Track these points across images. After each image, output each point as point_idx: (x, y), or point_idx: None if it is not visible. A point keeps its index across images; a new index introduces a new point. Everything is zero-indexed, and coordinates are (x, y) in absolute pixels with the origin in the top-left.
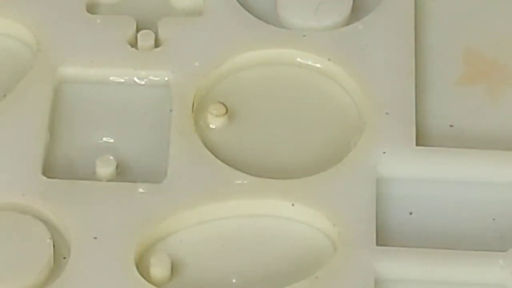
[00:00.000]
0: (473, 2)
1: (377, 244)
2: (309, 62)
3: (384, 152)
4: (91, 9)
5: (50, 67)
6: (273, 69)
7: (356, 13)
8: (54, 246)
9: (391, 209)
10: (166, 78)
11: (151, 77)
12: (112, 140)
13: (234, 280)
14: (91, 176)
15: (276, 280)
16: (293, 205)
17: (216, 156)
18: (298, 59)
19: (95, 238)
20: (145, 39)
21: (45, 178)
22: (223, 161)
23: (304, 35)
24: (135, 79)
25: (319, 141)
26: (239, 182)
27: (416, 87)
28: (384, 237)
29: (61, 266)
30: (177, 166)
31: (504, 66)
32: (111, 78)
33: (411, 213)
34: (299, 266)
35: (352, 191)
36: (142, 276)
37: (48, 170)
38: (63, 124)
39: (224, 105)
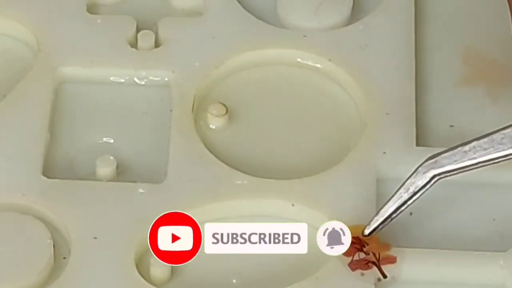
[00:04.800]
0: (473, 2)
1: None
2: (310, 62)
3: (384, 152)
4: (91, 9)
5: (50, 67)
6: (273, 69)
7: (356, 13)
8: (54, 246)
9: None
10: (166, 78)
11: (151, 77)
12: (112, 140)
13: (234, 280)
14: (91, 176)
15: (276, 280)
16: (293, 205)
17: (216, 156)
18: (299, 59)
19: (95, 238)
20: (145, 39)
21: (45, 178)
22: (223, 161)
23: (304, 35)
24: (135, 79)
25: (319, 141)
26: (239, 182)
27: (416, 87)
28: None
29: (61, 266)
30: (177, 166)
31: (504, 66)
32: (111, 78)
33: (411, 214)
34: (299, 266)
35: (352, 191)
36: (142, 276)
37: (48, 170)
38: (63, 124)
39: (224, 105)
